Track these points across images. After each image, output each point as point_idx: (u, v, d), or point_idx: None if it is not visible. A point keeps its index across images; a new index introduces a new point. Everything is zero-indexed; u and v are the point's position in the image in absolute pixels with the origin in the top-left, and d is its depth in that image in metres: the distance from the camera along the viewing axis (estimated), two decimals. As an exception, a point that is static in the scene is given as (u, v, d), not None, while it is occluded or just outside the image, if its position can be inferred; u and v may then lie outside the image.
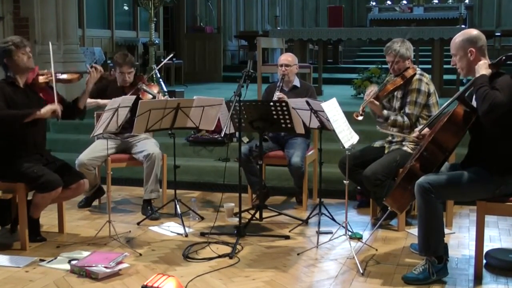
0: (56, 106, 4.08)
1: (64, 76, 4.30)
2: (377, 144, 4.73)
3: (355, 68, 10.15)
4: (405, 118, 4.42)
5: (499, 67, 3.44)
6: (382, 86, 4.45)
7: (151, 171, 4.89)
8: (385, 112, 4.49)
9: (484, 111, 3.26)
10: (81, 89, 4.54)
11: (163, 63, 5.32)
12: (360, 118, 4.33)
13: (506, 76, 3.38)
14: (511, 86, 3.32)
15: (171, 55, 5.50)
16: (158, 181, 4.97)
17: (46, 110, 4.06)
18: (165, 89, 7.86)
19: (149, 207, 4.95)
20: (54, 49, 7.91)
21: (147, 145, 5.02)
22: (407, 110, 4.44)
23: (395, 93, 4.54)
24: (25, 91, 4.18)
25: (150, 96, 5.06)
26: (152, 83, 5.76)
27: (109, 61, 9.91)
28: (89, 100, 4.91)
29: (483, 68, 3.40)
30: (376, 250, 4.08)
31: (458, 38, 3.50)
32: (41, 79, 4.21)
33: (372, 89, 4.51)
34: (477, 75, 3.39)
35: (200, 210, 5.05)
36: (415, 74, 4.46)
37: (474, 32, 3.52)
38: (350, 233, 4.24)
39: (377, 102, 4.42)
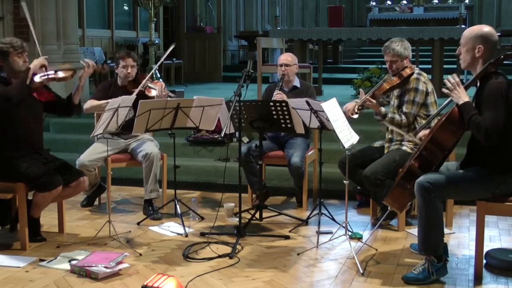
0: (41, 60, 4.07)
1: (59, 75, 4.25)
2: (377, 144, 4.73)
3: (355, 68, 10.15)
4: (403, 117, 4.42)
5: (498, 66, 3.44)
6: (379, 84, 4.45)
7: (150, 171, 4.89)
8: (383, 109, 4.49)
9: (484, 140, 3.31)
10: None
11: (167, 53, 5.17)
12: (355, 116, 4.31)
13: (493, 83, 3.37)
14: (494, 99, 3.32)
15: (173, 45, 5.36)
16: (158, 181, 4.97)
17: (34, 64, 4.05)
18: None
19: (150, 208, 4.95)
20: (54, 49, 7.97)
21: (146, 145, 5.02)
22: (404, 109, 4.44)
23: (394, 91, 4.55)
24: None
25: (155, 92, 5.01)
26: (157, 80, 5.72)
27: (109, 61, 9.91)
28: (95, 103, 4.91)
29: (463, 95, 3.42)
30: (376, 250, 4.08)
31: (472, 30, 3.47)
32: (35, 79, 4.18)
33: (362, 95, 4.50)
34: (460, 102, 3.40)
35: (200, 210, 5.05)
36: (412, 73, 4.46)
37: (487, 29, 3.49)
38: (350, 233, 4.24)
39: (373, 100, 4.40)
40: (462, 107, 3.39)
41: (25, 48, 4.18)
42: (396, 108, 4.54)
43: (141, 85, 4.94)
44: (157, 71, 8.27)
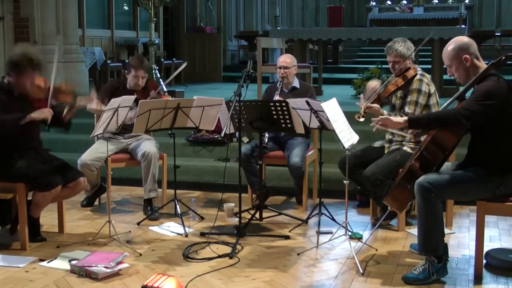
0: (47, 113, 4.07)
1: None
2: (377, 144, 4.73)
3: (355, 68, 10.15)
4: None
5: (499, 67, 3.44)
6: (383, 86, 4.44)
7: (148, 171, 4.89)
8: (384, 112, 4.49)
9: (453, 121, 3.38)
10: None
11: (178, 70, 5.28)
12: (362, 119, 4.32)
13: (490, 81, 3.37)
14: (483, 92, 3.33)
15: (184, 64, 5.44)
16: (156, 180, 4.96)
17: (37, 114, 4.05)
18: (165, 89, 7.85)
19: (149, 207, 4.95)
20: (54, 49, 7.96)
21: (144, 145, 5.01)
22: (407, 109, 4.44)
23: (397, 92, 4.54)
24: (19, 99, 4.18)
25: None
26: (166, 94, 5.72)
27: (109, 61, 9.92)
28: (94, 108, 4.89)
29: (397, 119, 3.62)
30: (376, 250, 4.08)
31: (450, 47, 3.50)
32: (36, 91, 4.18)
33: (374, 85, 4.50)
34: (403, 122, 3.55)
35: (200, 210, 5.05)
36: (416, 74, 4.46)
37: (464, 39, 3.52)
38: (350, 233, 4.24)
39: (374, 105, 4.40)
40: (411, 122, 3.50)
41: (40, 69, 4.12)
42: (398, 109, 4.54)
43: (149, 97, 4.93)
44: (157, 71, 8.27)
